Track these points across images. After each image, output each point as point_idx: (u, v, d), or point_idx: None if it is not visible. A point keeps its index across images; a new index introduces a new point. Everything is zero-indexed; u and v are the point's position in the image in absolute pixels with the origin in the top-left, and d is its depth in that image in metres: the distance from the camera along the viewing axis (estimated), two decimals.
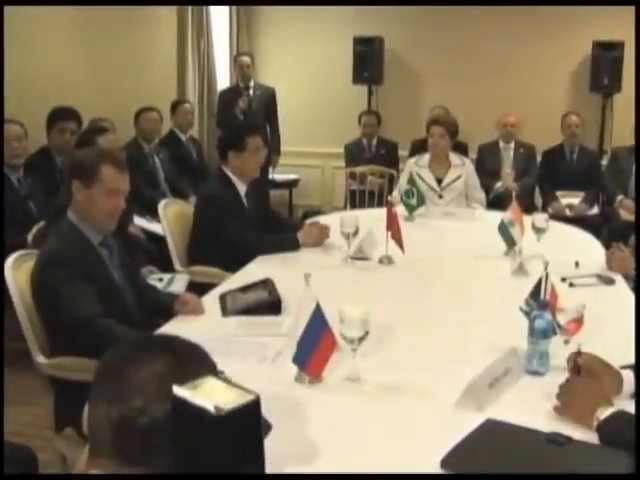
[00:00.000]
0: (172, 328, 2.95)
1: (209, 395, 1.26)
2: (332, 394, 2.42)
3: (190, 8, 8.37)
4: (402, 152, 8.02)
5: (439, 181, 5.62)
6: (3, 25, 6.14)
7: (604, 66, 8.15)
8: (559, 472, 1.92)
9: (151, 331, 2.80)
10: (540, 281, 2.79)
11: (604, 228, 7.05)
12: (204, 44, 8.60)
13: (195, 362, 1.42)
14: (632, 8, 8.08)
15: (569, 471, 1.92)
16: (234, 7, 8.91)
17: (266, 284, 3.41)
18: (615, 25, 8.20)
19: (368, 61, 8.57)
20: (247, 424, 1.26)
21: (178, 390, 1.27)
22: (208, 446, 1.24)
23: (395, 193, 5.65)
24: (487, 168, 7.47)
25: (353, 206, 7.36)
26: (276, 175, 8.56)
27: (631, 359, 2.50)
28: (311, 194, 9.22)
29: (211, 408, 1.21)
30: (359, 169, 7.67)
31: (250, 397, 1.26)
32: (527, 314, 2.71)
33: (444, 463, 1.96)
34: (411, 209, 5.10)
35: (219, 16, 8.89)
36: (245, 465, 1.28)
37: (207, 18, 8.64)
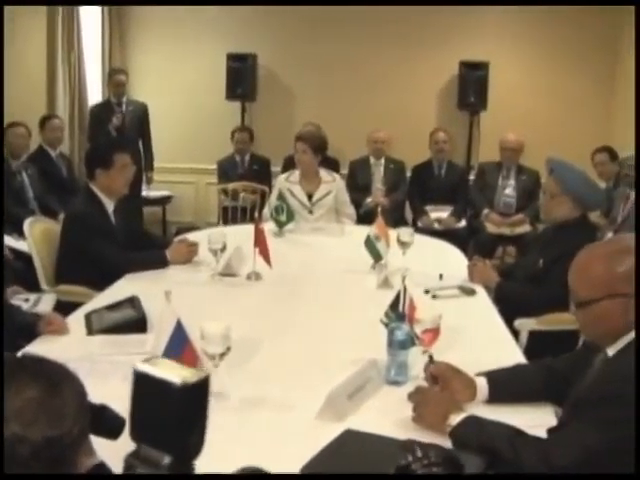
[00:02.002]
0: (35, 349, 2.89)
1: (171, 371, 1.41)
2: None
3: (60, 19, 8.13)
4: (275, 168, 8.07)
5: (310, 197, 5.67)
6: (3, 25, 5.94)
7: (470, 85, 8.44)
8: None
9: (13, 352, 2.74)
10: (399, 293, 2.87)
11: (471, 240, 7.28)
12: (75, 57, 8.38)
13: (69, 385, 1.41)
14: (496, 29, 8.47)
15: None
16: (107, 20, 8.73)
17: (132, 302, 3.38)
18: (480, 45, 8.52)
19: (241, 77, 8.60)
20: (202, 396, 1.45)
21: (140, 366, 1.39)
22: (168, 414, 1.40)
23: (266, 209, 5.68)
24: (358, 183, 7.61)
25: (226, 222, 7.34)
26: (149, 192, 8.48)
27: (487, 367, 2.61)
28: (185, 210, 9.18)
29: (177, 381, 1.37)
30: (231, 185, 7.65)
31: (203, 374, 1.45)
32: (387, 326, 2.78)
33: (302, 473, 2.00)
34: (281, 225, 5.14)
35: (91, 29, 8.72)
36: (194, 433, 1.46)
37: (78, 30, 8.41)
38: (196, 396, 1.44)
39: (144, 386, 1.42)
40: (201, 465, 2.05)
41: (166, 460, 1.45)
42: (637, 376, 1.95)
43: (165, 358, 2.35)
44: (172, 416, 1.41)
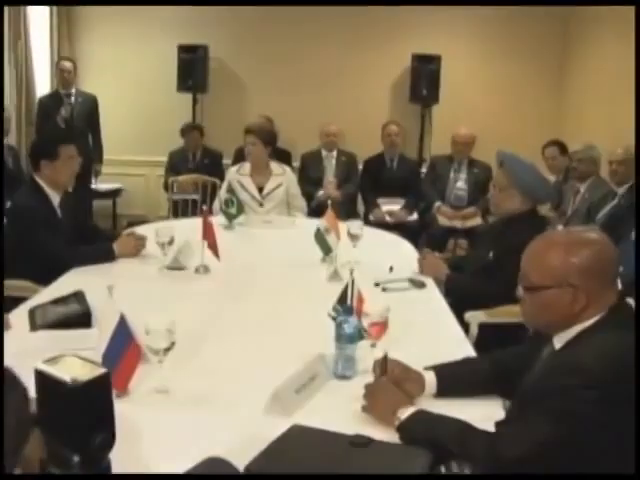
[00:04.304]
0: None
1: (67, 369, 1.46)
2: (140, 406, 2.38)
3: (7, 9, 7.99)
4: (227, 161, 8.01)
5: (260, 189, 5.64)
6: (3, 25, 5.78)
7: (423, 78, 8.48)
8: (360, 472, 1.97)
9: None
10: (347, 287, 2.85)
11: (423, 234, 7.30)
12: (22, 47, 8.21)
13: (6, 386, 1.36)
14: (448, 23, 8.49)
15: (369, 470, 1.97)
16: (55, 10, 8.60)
17: (77, 296, 3.31)
18: (432, 39, 8.56)
19: (192, 69, 8.55)
20: (98, 394, 1.46)
21: (40, 365, 1.45)
22: (66, 413, 1.42)
23: (216, 202, 5.64)
24: (310, 176, 7.61)
25: (176, 215, 7.29)
26: (99, 184, 8.36)
27: (436, 360, 2.60)
28: (135, 203, 9.09)
29: (68, 380, 1.40)
30: (181, 178, 7.57)
31: (101, 371, 1.47)
32: (335, 319, 2.75)
33: (248, 469, 1.96)
34: (231, 218, 5.10)
35: (38, 19, 8.55)
36: (98, 430, 1.47)
37: (25, 20, 8.23)
38: (91, 394, 1.44)
39: (43, 385, 1.46)
40: (148, 461, 2.03)
41: (75, 459, 1.42)
42: (637, 374, 1.95)
43: (106, 354, 2.34)
44: (70, 415, 1.42)
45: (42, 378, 1.45)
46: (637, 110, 5.62)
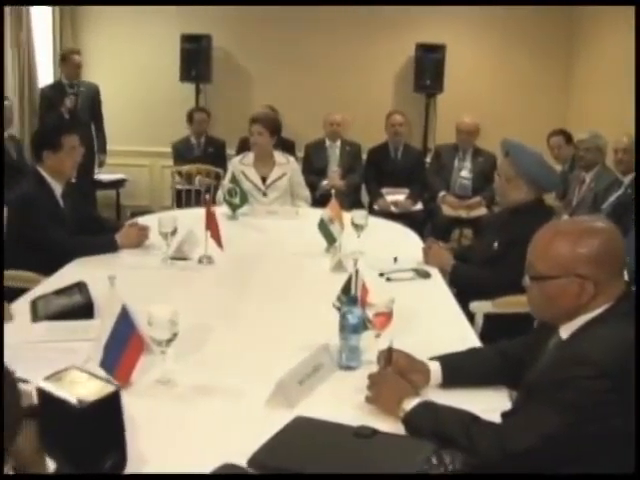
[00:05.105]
0: None
1: (73, 387, 1.33)
2: (142, 398, 2.36)
3: None
4: (230, 150, 8.00)
5: (264, 179, 5.61)
6: (3, 25, 5.79)
7: (427, 67, 8.46)
8: (364, 464, 1.94)
9: None
10: (351, 277, 2.82)
11: (428, 223, 7.28)
12: (24, 38, 8.18)
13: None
14: (453, 11, 8.43)
15: (374, 462, 1.95)
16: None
17: (79, 287, 3.29)
18: (437, 28, 8.53)
19: (196, 59, 8.54)
20: (108, 414, 1.35)
21: (43, 383, 1.33)
22: (73, 436, 1.30)
23: (220, 192, 5.61)
24: (314, 166, 7.59)
25: (180, 205, 7.27)
26: (102, 175, 8.34)
27: (441, 350, 2.58)
28: (139, 194, 9.09)
29: (74, 401, 1.28)
30: (185, 168, 7.56)
31: (110, 389, 1.36)
32: (339, 310, 2.73)
33: (251, 462, 1.94)
34: (234, 208, 5.08)
35: (40, 7, 8.50)
36: (108, 453, 1.37)
37: (27, 9, 8.20)
38: (100, 415, 1.33)
39: (49, 405, 1.33)
40: (150, 453, 2.00)
41: None
42: (637, 372, 1.92)
43: (108, 348, 2.31)
44: (77, 438, 1.30)
45: (45, 397, 1.33)
46: (637, 108, 5.57)
